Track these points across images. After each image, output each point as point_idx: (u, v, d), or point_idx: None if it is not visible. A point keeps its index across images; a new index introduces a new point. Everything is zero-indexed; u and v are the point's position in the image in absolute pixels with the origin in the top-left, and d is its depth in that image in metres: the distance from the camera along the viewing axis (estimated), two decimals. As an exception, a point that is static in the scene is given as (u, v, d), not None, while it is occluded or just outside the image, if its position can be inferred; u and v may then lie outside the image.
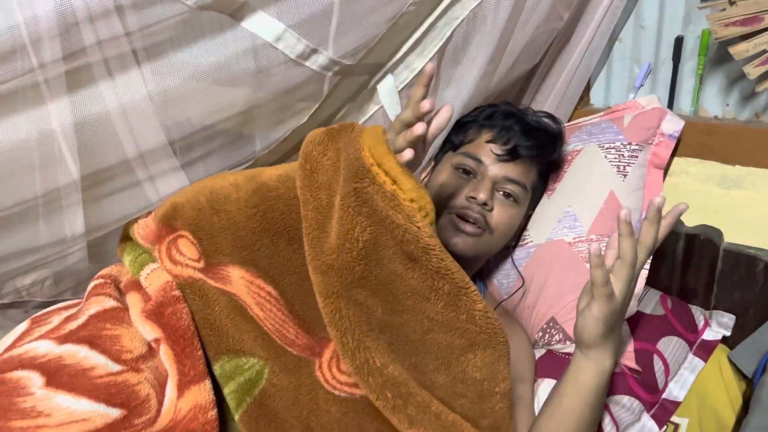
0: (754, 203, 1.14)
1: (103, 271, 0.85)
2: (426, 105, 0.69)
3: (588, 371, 0.80)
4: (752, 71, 1.02)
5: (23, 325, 0.75)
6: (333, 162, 0.76)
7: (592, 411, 0.81)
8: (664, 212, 1.11)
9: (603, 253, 0.74)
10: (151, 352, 0.75)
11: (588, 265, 1.05)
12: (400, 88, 0.99)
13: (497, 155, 0.98)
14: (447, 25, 0.95)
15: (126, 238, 0.87)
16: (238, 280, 0.78)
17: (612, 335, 0.79)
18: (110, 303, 0.79)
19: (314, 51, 0.83)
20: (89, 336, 0.72)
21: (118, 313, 0.77)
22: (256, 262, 0.79)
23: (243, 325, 0.77)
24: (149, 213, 0.89)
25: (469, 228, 0.95)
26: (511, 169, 0.98)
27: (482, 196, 0.94)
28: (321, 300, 0.72)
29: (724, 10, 1.03)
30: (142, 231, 0.84)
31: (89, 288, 0.81)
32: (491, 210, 0.97)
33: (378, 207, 0.70)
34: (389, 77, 0.98)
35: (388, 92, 0.99)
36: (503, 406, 0.75)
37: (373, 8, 0.84)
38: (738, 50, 1.03)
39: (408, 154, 0.70)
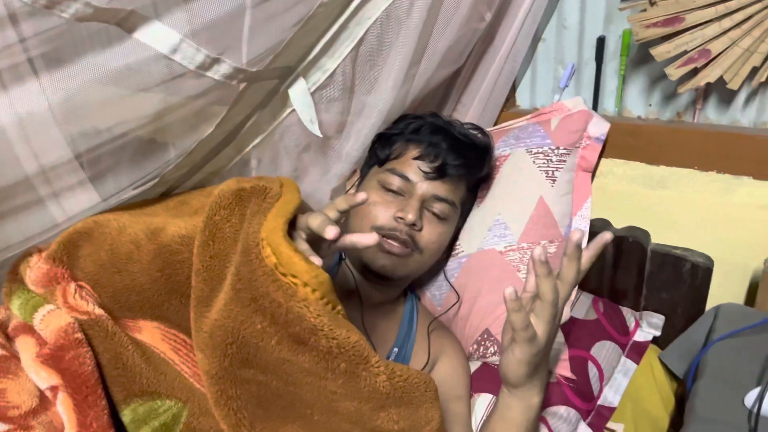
0: (679, 203, 1.15)
1: (-15, 315, 0.76)
2: (330, 233, 0.63)
3: (515, 408, 0.78)
4: (674, 72, 1.02)
5: None
6: (235, 230, 0.70)
7: None
8: (592, 212, 1.11)
9: (519, 294, 0.69)
10: (43, 404, 0.67)
11: (521, 276, 1.04)
12: (312, 90, 0.93)
13: (425, 173, 0.93)
14: (359, 26, 0.89)
15: (13, 279, 0.78)
16: (151, 330, 0.74)
17: (537, 372, 0.76)
18: (-7, 352, 0.70)
19: (216, 60, 0.75)
20: (-32, 394, 0.63)
21: (3, 363, 0.69)
22: (166, 318, 0.75)
23: (159, 366, 0.71)
24: (39, 251, 0.80)
25: (396, 249, 0.90)
26: (439, 187, 0.94)
27: (411, 216, 0.90)
28: (205, 379, 0.67)
29: (645, 10, 1.02)
30: (34, 275, 0.75)
31: (-30, 336, 0.72)
32: (420, 230, 0.92)
33: (258, 284, 0.64)
34: (301, 81, 0.92)
35: (300, 96, 0.93)
36: None
37: (277, 13, 0.78)
38: (659, 51, 1.02)
39: (330, 233, 0.64)
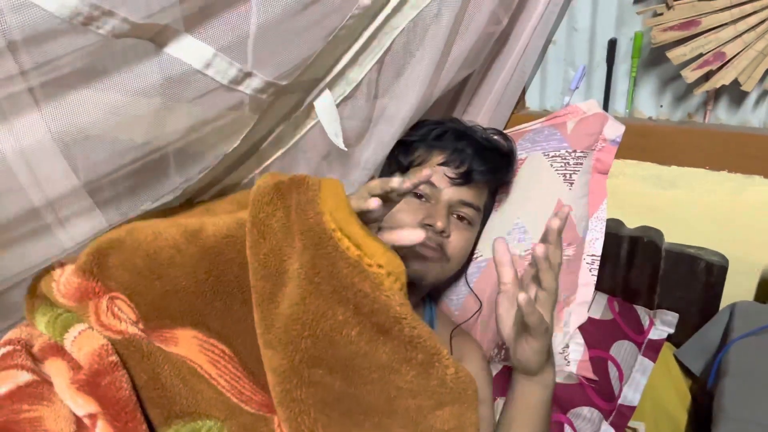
0: (690, 202, 1.17)
1: (10, 335, 0.73)
2: (373, 204, 0.67)
3: (534, 393, 0.81)
4: (690, 75, 1.03)
5: None
6: (283, 223, 0.70)
7: (543, 424, 0.82)
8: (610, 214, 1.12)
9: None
10: (80, 431, 0.65)
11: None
12: (337, 102, 0.92)
13: (451, 178, 0.93)
14: (387, 35, 0.89)
15: (35, 295, 0.75)
16: (189, 340, 0.72)
17: (551, 353, 0.81)
18: (25, 377, 0.67)
19: (248, 75, 0.73)
20: (5, 423, 0.62)
21: (36, 389, 0.66)
22: (207, 325, 0.73)
23: (195, 385, 0.70)
24: (62, 264, 0.77)
25: (429, 252, 0.91)
26: (465, 193, 0.94)
27: (440, 224, 0.90)
28: (272, 377, 0.67)
29: (661, 14, 1.02)
30: (63, 289, 0.73)
31: (-5, 359, 0.70)
32: (448, 236, 0.92)
33: (341, 276, 0.64)
34: (326, 93, 0.90)
35: (326, 109, 0.92)
36: None
37: (309, 26, 0.76)
38: (676, 54, 1.03)
39: (373, 203, 0.66)
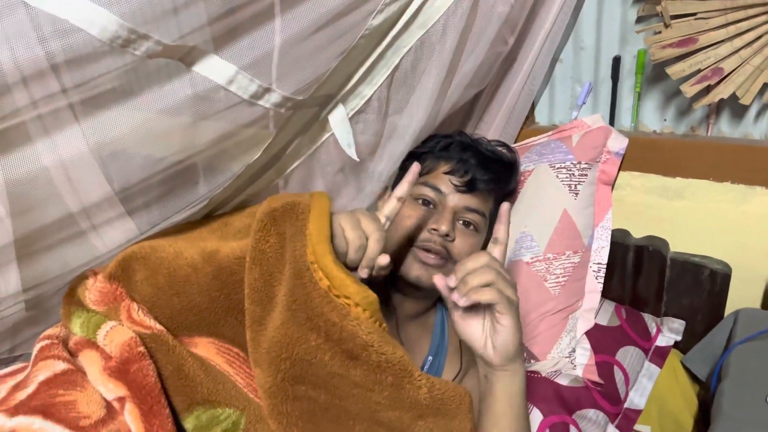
0: (695, 212, 1.20)
1: (49, 331, 0.80)
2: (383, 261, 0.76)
3: (513, 383, 0.78)
4: (689, 90, 1.07)
5: (-34, 399, 0.69)
6: (275, 249, 0.75)
7: (524, 415, 0.81)
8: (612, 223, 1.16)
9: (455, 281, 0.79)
10: (111, 414, 0.71)
11: (547, 284, 1.08)
12: (350, 116, 0.99)
13: (455, 186, 0.98)
14: (395, 54, 0.95)
15: (71, 301, 0.82)
16: (206, 345, 0.79)
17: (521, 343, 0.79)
18: (61, 366, 0.74)
19: (267, 90, 0.80)
20: (42, 405, 0.67)
21: (70, 377, 0.73)
22: (221, 334, 0.80)
23: (216, 376, 0.76)
24: (95, 273, 0.84)
25: (431, 260, 0.95)
26: (469, 199, 0.99)
27: (444, 227, 0.94)
28: (261, 392, 0.73)
29: (660, 32, 1.07)
30: (93, 296, 0.80)
31: (35, 351, 0.76)
32: (453, 240, 0.97)
33: (314, 305, 0.70)
34: (340, 107, 0.97)
35: (339, 121, 0.98)
36: None
37: (324, 45, 0.83)
38: (675, 70, 1.07)
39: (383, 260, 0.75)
